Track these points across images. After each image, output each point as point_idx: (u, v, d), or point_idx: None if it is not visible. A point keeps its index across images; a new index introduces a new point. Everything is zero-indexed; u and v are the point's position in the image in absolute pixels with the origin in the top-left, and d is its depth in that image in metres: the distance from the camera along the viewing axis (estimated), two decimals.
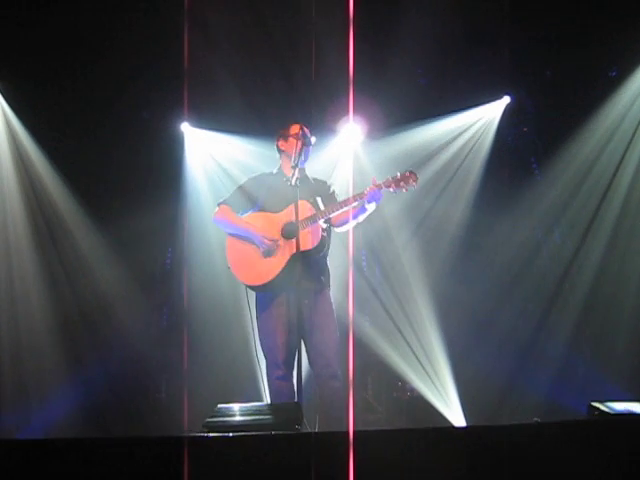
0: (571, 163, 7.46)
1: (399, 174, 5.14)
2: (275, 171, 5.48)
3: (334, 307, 5.34)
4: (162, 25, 7.03)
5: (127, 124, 7.56)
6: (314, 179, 5.53)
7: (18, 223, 7.27)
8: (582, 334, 7.29)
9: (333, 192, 5.45)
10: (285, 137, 5.42)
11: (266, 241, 5.14)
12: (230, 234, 5.32)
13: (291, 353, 5.03)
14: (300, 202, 5.07)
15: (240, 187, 5.49)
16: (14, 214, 7.26)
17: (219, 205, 5.44)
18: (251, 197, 5.38)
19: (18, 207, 7.28)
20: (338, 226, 5.30)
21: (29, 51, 6.91)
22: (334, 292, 5.45)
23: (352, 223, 5.28)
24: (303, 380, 5.01)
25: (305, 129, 5.29)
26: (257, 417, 4.19)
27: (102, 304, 7.43)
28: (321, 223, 5.15)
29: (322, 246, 5.15)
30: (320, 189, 5.41)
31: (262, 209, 5.31)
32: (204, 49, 7.07)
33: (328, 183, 5.59)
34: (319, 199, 5.26)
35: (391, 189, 5.12)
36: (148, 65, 7.25)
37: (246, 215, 5.35)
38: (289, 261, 5.04)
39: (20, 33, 6.84)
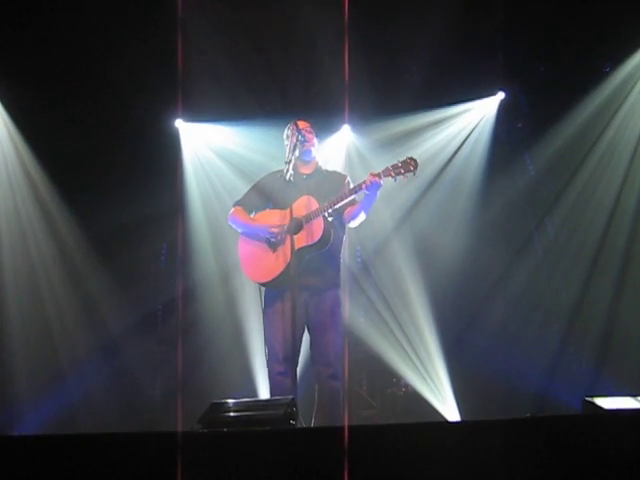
0: (566, 158, 7.48)
1: (399, 161, 5.08)
2: None
3: (341, 307, 5.33)
4: (156, 22, 7.04)
5: (121, 121, 7.58)
6: (328, 172, 5.57)
7: (9, 222, 7.26)
8: (576, 329, 7.30)
9: (347, 183, 5.42)
10: (287, 138, 5.46)
11: (272, 229, 5.19)
12: (242, 233, 5.39)
13: (293, 349, 5.03)
14: (306, 197, 5.16)
15: (253, 187, 5.56)
16: (6, 214, 7.26)
17: (233, 206, 5.52)
18: (263, 196, 5.44)
19: (9, 205, 7.27)
20: (350, 221, 5.27)
21: (23, 49, 6.90)
22: None
23: (362, 216, 5.24)
24: (300, 375, 5.06)
25: (299, 124, 5.32)
26: (251, 413, 4.18)
27: (96, 301, 7.44)
28: (326, 216, 5.14)
29: (325, 240, 5.11)
30: (333, 182, 5.42)
31: (274, 207, 5.35)
32: (198, 43, 7.08)
33: (343, 174, 5.59)
34: (328, 195, 5.23)
35: (391, 177, 5.05)
36: (142, 62, 7.25)
37: (258, 213, 5.42)
38: (291, 257, 5.04)
39: (15, 32, 6.84)
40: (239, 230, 5.42)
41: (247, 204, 5.46)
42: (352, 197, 5.12)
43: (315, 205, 5.14)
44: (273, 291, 5.26)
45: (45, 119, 7.21)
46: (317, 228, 5.10)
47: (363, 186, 5.04)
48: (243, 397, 4.86)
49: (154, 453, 3.55)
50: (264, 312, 5.30)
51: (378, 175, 5.04)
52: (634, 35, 7.08)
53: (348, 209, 5.22)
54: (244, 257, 5.36)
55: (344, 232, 5.39)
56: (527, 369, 7.16)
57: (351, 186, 5.37)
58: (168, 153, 7.90)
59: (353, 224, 5.31)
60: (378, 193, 5.11)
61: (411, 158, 5.08)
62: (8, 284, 7.16)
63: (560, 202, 7.54)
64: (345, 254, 6.25)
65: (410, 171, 5.06)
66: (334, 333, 5.23)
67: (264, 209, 5.40)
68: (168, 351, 7.66)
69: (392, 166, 5.07)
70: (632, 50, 7.20)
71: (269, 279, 5.21)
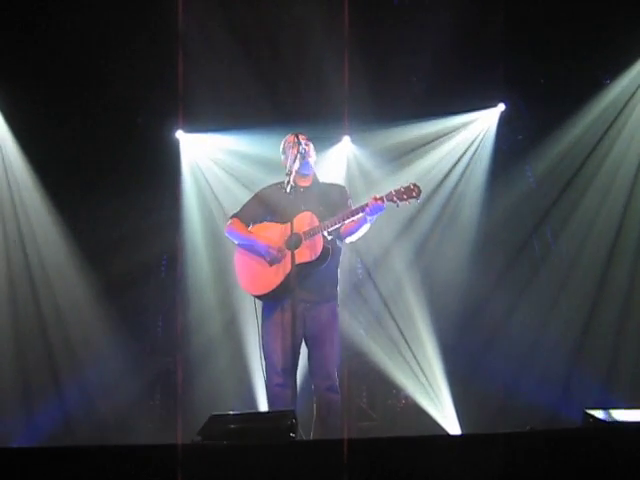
0: (566, 170, 7.49)
1: (402, 187, 5.04)
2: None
3: (338, 320, 5.31)
4: (156, 34, 7.06)
5: (121, 132, 7.59)
6: (326, 184, 5.56)
7: (7, 233, 7.27)
8: (578, 341, 7.28)
9: (347, 198, 5.41)
10: (284, 151, 5.44)
11: (271, 251, 5.18)
12: (239, 245, 5.36)
13: (290, 361, 5.03)
14: (308, 213, 5.14)
15: (251, 199, 5.54)
16: (4, 223, 7.27)
17: (231, 218, 5.49)
18: (262, 208, 5.42)
19: (8, 215, 7.28)
20: (345, 237, 5.25)
21: (24, 59, 6.92)
22: None
23: (359, 234, 5.22)
24: (299, 388, 5.05)
25: (300, 137, 5.29)
26: (251, 425, 4.17)
27: (98, 310, 7.43)
28: (326, 234, 5.13)
29: (323, 258, 5.11)
30: (332, 195, 5.40)
31: (272, 220, 5.34)
32: (198, 54, 7.10)
33: (341, 186, 5.59)
34: (326, 209, 5.23)
35: (393, 202, 5.02)
36: (142, 73, 7.27)
37: (256, 226, 5.39)
38: (290, 272, 5.01)
39: (17, 42, 6.86)
40: (236, 242, 5.39)
41: (245, 216, 5.43)
42: (353, 218, 5.09)
43: (315, 222, 5.13)
44: (271, 303, 5.25)
45: (45, 129, 7.21)
46: (316, 246, 5.09)
47: (366, 209, 5.02)
48: (243, 409, 4.86)
49: (154, 465, 3.54)
50: (262, 324, 5.29)
51: (381, 199, 5.02)
52: (634, 46, 7.10)
53: (345, 225, 5.18)
54: (240, 269, 5.34)
55: (342, 247, 5.37)
56: (528, 381, 7.15)
57: (349, 198, 5.40)
58: (169, 164, 7.92)
59: (349, 240, 5.28)
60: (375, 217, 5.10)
61: (415, 185, 5.05)
62: (5, 295, 7.15)
63: (562, 213, 7.54)
64: (345, 266, 6.25)
65: (413, 197, 5.03)
66: (331, 346, 5.21)
67: (262, 221, 5.39)
68: (168, 363, 7.66)
69: (395, 191, 5.03)
70: (631, 61, 7.22)
71: (266, 292, 5.19)
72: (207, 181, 7.99)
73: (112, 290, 7.47)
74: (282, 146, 5.49)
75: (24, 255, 7.30)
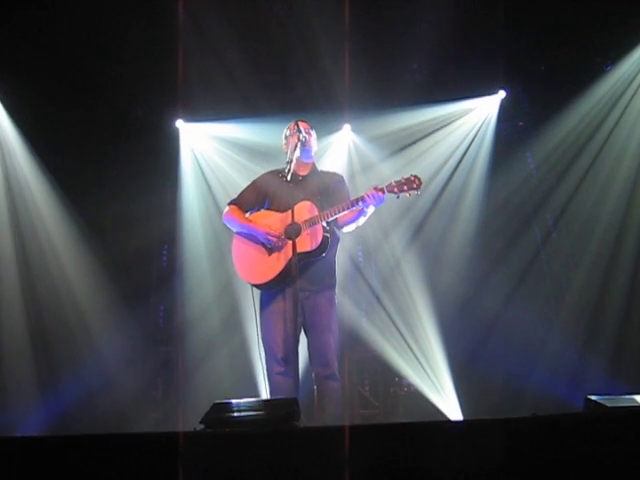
0: (567, 156, 7.48)
1: (403, 178, 5.04)
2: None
3: (336, 309, 5.31)
4: (156, 23, 7.04)
5: (121, 121, 7.59)
6: (324, 172, 5.53)
7: (12, 225, 7.27)
8: (582, 328, 7.28)
9: (345, 188, 5.41)
10: (286, 138, 5.43)
11: (270, 237, 5.15)
12: (237, 233, 5.33)
13: (290, 350, 5.03)
14: (308, 202, 5.13)
15: (250, 186, 5.51)
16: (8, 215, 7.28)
17: (228, 205, 5.46)
18: (260, 195, 5.40)
19: (8, 208, 7.29)
20: (343, 226, 5.25)
21: (26, 49, 6.90)
22: None
23: (355, 224, 5.22)
24: (301, 376, 5.06)
25: (300, 124, 5.28)
26: (254, 413, 4.18)
27: (99, 302, 7.44)
28: (324, 224, 5.11)
29: (323, 248, 5.11)
30: (330, 184, 5.38)
31: (270, 207, 5.33)
32: (198, 43, 7.08)
33: (339, 175, 5.56)
34: (325, 198, 5.22)
35: (394, 193, 5.02)
36: (143, 62, 7.26)
37: (254, 213, 5.37)
38: (290, 261, 5.02)
39: (18, 31, 6.84)
40: (234, 229, 5.36)
41: (243, 203, 5.41)
42: (352, 208, 5.08)
43: (315, 211, 5.11)
44: (270, 292, 5.23)
45: (47, 120, 7.21)
46: (316, 235, 5.08)
47: (367, 200, 5.01)
48: (246, 397, 4.87)
49: (156, 453, 3.55)
50: (260, 313, 5.29)
51: (382, 190, 5.01)
52: (634, 33, 7.08)
53: (342, 216, 5.16)
54: (238, 258, 5.30)
55: (340, 235, 5.36)
56: (530, 367, 7.15)
57: (347, 188, 5.39)
58: (169, 153, 7.92)
59: (347, 229, 5.28)
60: (374, 208, 5.09)
61: (415, 176, 5.05)
62: (9, 283, 7.16)
63: (563, 199, 7.53)
64: (346, 253, 6.24)
65: (413, 189, 5.03)
66: (330, 334, 5.20)
67: (260, 209, 5.38)
68: (170, 352, 7.67)
69: (396, 182, 5.04)
70: (632, 47, 7.20)
71: (265, 280, 5.17)
72: (208, 170, 7.99)
73: (113, 280, 7.48)
74: (284, 133, 5.48)
75: (31, 252, 7.31)
